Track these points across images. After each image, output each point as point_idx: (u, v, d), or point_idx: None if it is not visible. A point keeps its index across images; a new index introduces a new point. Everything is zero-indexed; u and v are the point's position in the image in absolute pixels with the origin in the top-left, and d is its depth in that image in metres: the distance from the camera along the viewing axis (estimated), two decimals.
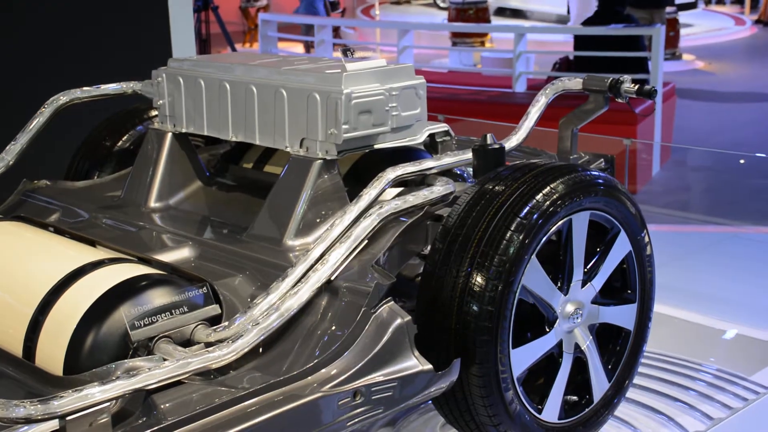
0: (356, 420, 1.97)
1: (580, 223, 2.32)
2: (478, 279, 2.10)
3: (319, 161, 2.42)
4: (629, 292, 2.53)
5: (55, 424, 1.66)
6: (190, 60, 2.88)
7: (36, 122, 2.93)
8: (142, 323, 1.96)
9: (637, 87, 2.69)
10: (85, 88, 3.05)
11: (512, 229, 2.14)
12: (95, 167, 3.19)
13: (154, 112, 3.26)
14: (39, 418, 1.63)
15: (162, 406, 1.79)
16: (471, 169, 2.58)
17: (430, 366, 2.05)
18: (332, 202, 2.43)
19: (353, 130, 2.40)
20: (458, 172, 2.70)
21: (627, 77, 2.72)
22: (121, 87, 3.08)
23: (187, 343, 2.02)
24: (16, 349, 2.04)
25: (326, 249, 2.17)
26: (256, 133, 2.60)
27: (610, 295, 2.49)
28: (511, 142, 2.68)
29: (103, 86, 3.07)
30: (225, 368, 1.95)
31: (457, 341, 2.10)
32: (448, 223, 2.23)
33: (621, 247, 2.45)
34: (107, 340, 1.94)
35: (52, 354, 1.97)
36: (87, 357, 1.92)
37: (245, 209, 2.68)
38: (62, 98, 3.00)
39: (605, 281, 2.44)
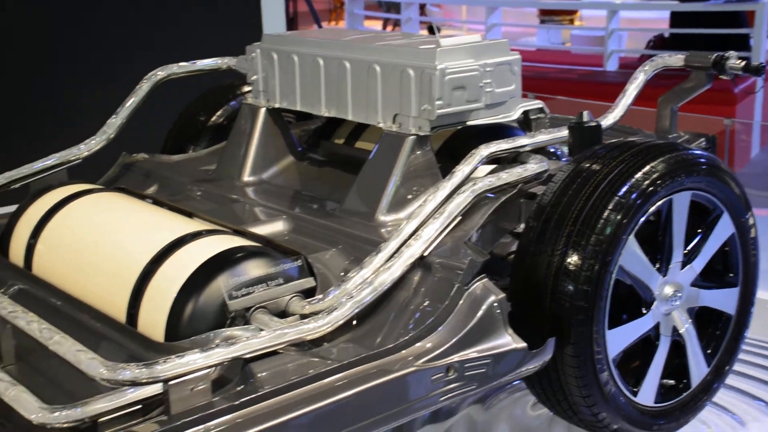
0: (449, 395, 1.97)
1: (681, 204, 2.26)
2: (574, 258, 2.07)
3: (412, 137, 2.41)
4: (731, 275, 2.45)
5: (157, 387, 1.71)
6: (284, 36, 2.90)
7: (135, 97, 3.01)
8: (240, 294, 1.99)
9: (743, 63, 2.60)
10: (181, 64, 3.11)
11: (610, 208, 2.09)
12: (190, 141, 3.26)
13: (247, 88, 3.31)
14: (144, 381, 1.68)
15: (259, 375, 1.82)
16: (565, 147, 2.54)
17: (524, 344, 2.04)
18: (424, 178, 2.43)
19: (447, 106, 2.38)
20: (552, 150, 2.66)
21: (732, 53, 2.63)
22: (216, 62, 3.13)
23: (282, 314, 2.05)
24: (120, 315, 2.11)
25: (419, 225, 2.17)
26: (348, 108, 2.61)
27: (711, 278, 2.42)
28: (607, 120, 2.62)
29: (199, 62, 3.13)
30: (319, 340, 1.98)
31: (552, 320, 2.08)
32: (543, 201, 2.20)
33: (723, 229, 2.37)
34: (206, 310, 1.98)
35: (153, 321, 2.02)
36: (187, 325, 1.97)
37: (336, 184, 2.69)
38: (160, 73, 3.06)
39: (706, 264, 2.38)
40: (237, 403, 1.71)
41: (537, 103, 2.67)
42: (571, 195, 2.16)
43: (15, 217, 2.58)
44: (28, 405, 1.68)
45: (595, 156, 2.24)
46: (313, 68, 2.68)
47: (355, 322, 2.05)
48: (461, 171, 2.29)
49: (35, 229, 2.48)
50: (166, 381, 1.70)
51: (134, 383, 1.69)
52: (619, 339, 2.18)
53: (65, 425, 1.65)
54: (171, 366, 1.70)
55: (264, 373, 1.82)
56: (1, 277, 2.45)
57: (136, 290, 2.09)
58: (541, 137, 2.49)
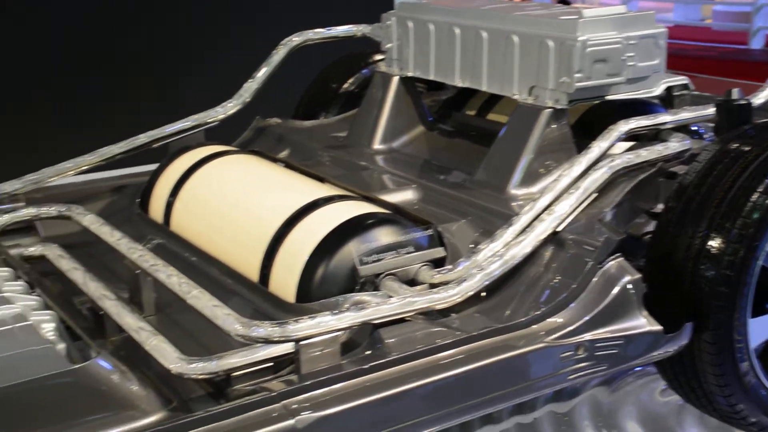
0: (577, 374, 1.93)
1: None
2: (717, 241, 1.98)
3: (548, 110, 2.36)
4: None
5: (289, 347, 1.74)
6: (420, 4, 2.88)
7: (271, 62, 3.05)
8: (370, 260, 2.01)
9: None
10: (317, 30, 3.14)
11: (759, 191, 1.99)
12: (322, 108, 3.30)
13: (378, 56, 3.31)
14: (276, 339, 1.72)
15: (387, 341, 1.83)
16: (710, 126, 2.43)
17: (659, 327, 1.97)
18: (559, 152, 2.37)
19: (586, 80, 2.31)
20: (694, 129, 2.54)
21: None
22: (351, 30, 3.14)
23: (410, 282, 2.05)
24: (252, 274, 2.16)
25: (553, 200, 2.13)
26: (483, 79, 2.57)
27: None
28: (758, 99, 2.49)
29: (334, 29, 3.15)
30: (446, 310, 1.97)
31: (690, 304, 2.00)
32: (685, 181, 2.11)
33: None
34: (337, 273, 2.00)
35: (285, 282, 2.06)
36: (317, 287, 2.00)
37: (467, 156, 2.67)
38: (295, 39, 3.10)
39: None
40: (366, 367, 1.72)
41: (681, 79, 2.56)
42: (717, 176, 2.06)
43: (155, 176, 2.68)
44: (167, 355, 1.74)
45: (745, 136, 2.13)
46: (448, 37, 2.65)
47: (483, 295, 2.03)
48: (598, 146, 2.22)
49: (174, 188, 2.57)
50: (297, 341, 1.73)
51: (267, 341, 1.72)
52: (763, 328, 2.08)
53: (200, 376, 1.70)
54: (303, 326, 1.73)
55: (392, 340, 1.83)
56: (142, 232, 2.55)
57: (269, 251, 2.13)
58: (684, 114, 2.39)
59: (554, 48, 2.33)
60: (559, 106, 2.35)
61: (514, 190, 2.33)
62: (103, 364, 1.67)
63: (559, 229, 2.08)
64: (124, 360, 1.75)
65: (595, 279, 1.97)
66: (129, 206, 2.76)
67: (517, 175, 2.34)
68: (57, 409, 1.57)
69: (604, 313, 1.94)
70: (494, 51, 2.51)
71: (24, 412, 1.54)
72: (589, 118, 2.52)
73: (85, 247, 2.54)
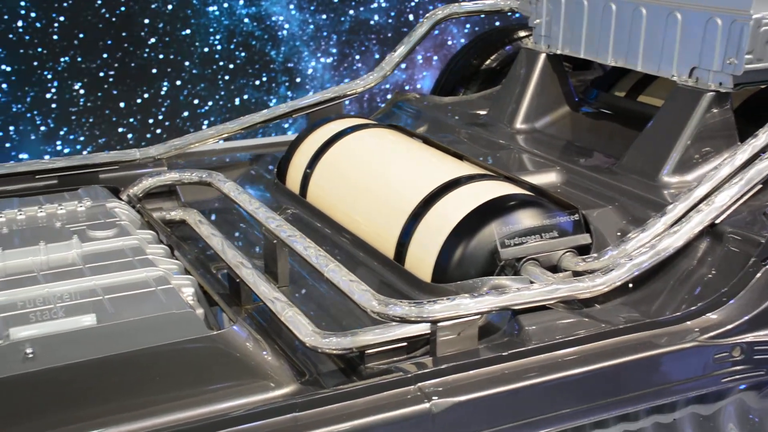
0: (731, 378, 1.79)
1: None
2: None
3: (710, 93, 2.20)
4: None
5: (425, 327, 1.69)
6: None
7: (415, 35, 2.99)
8: (512, 242, 1.92)
9: None
10: (463, 3, 3.05)
11: None
12: (461, 84, 3.22)
13: (522, 33, 3.20)
14: (413, 319, 1.67)
15: (527, 328, 1.75)
16: None
17: None
18: (719, 139, 2.21)
19: (757, 61, 2.14)
20: None
21: None
22: (498, 3, 3.04)
23: (552, 269, 1.96)
24: (388, 250, 2.12)
25: (711, 189, 1.98)
26: (639, 58, 2.43)
27: None
28: None
29: (480, 2, 3.06)
30: (590, 300, 1.87)
31: None
32: None
33: None
34: (476, 255, 1.93)
35: (421, 260, 2.01)
36: (455, 268, 1.94)
37: (614, 139, 2.54)
38: (440, 13, 3.03)
39: None
40: (505, 354, 1.65)
41: None
42: None
43: (294, 146, 2.67)
44: (302, 327, 1.72)
45: None
46: (603, 13, 2.51)
47: (630, 287, 1.91)
48: (765, 134, 2.05)
49: (312, 159, 2.56)
50: (434, 322, 1.67)
51: (403, 320, 1.68)
52: None
53: (334, 352, 1.67)
54: (441, 308, 1.67)
55: (533, 327, 1.75)
56: (278, 202, 2.56)
57: (406, 228, 2.08)
58: None
59: (723, 26, 2.16)
60: (723, 90, 2.19)
61: (667, 178, 2.19)
62: (239, 331, 1.66)
63: (718, 221, 1.94)
64: (258, 329, 1.74)
65: (758, 276, 1.82)
66: (266, 175, 2.78)
67: (672, 161, 2.20)
68: (195, 373, 1.57)
69: (767, 314, 1.79)
70: (653, 28, 2.36)
71: (163, 374, 1.55)
72: (756, 103, 2.34)
73: (221, 213, 2.57)
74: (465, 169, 2.26)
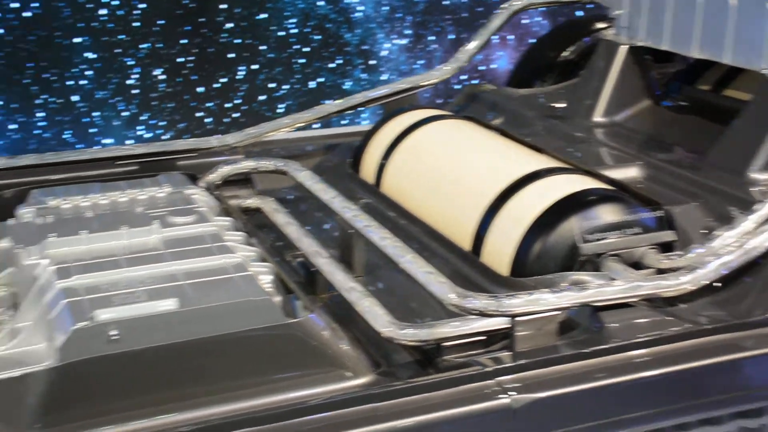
0: None
1: None
2: None
3: None
4: None
5: (503, 321, 1.66)
6: None
7: (490, 26, 2.96)
8: (593, 237, 1.89)
9: None
10: None
11: None
12: (537, 76, 3.17)
13: (600, 24, 3.13)
14: (491, 313, 1.65)
15: (609, 326, 1.71)
16: None
17: None
18: None
19: None
20: None
21: None
22: None
23: (634, 266, 1.92)
24: (464, 242, 2.10)
25: None
26: (726, 50, 2.35)
27: None
28: None
29: None
30: (674, 299, 1.82)
31: None
32: None
33: None
34: (555, 249, 1.90)
35: (499, 253, 1.99)
36: (534, 262, 1.91)
37: (698, 134, 2.47)
38: (518, 3, 2.98)
39: None
40: (587, 351, 1.62)
41: None
42: None
43: (369, 136, 2.67)
44: (378, 318, 1.71)
45: None
46: (689, 4, 2.44)
47: (716, 286, 1.85)
48: None
49: (387, 150, 2.55)
50: (513, 316, 1.65)
51: (482, 313, 1.66)
52: None
53: (411, 343, 1.66)
54: (521, 302, 1.65)
55: (615, 325, 1.71)
56: (352, 192, 2.55)
57: (484, 220, 2.06)
58: None
59: None
60: None
61: (756, 175, 2.12)
62: (317, 320, 1.66)
63: None
64: (333, 318, 1.74)
65: None
66: (340, 165, 2.78)
67: (762, 158, 2.12)
68: (272, 360, 1.58)
69: None
70: (744, 20, 2.28)
71: (241, 360, 1.56)
72: None
73: (296, 202, 2.58)
74: (543, 162, 2.22)
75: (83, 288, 1.66)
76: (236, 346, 1.57)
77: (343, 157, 2.79)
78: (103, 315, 1.55)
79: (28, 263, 1.80)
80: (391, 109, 2.81)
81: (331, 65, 4.68)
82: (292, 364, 1.59)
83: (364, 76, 4.74)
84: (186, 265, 1.78)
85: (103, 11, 4.25)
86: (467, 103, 2.99)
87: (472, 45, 2.93)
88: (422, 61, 4.79)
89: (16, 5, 4.15)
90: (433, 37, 4.78)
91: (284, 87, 4.63)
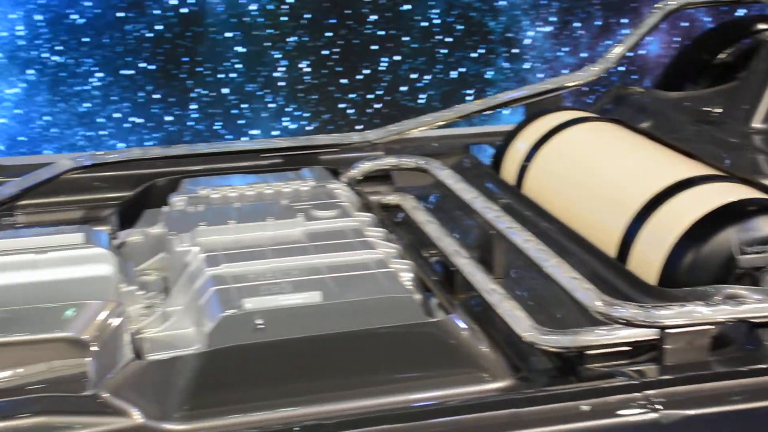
0: None
1: None
2: None
3: None
4: None
5: (651, 332, 1.60)
6: None
7: (643, 26, 2.85)
8: (752, 250, 1.79)
9: None
10: None
11: None
12: (689, 79, 3.04)
13: (762, 25, 2.97)
14: (640, 323, 1.59)
15: (767, 345, 1.61)
16: None
17: None
18: None
19: None
20: None
21: None
22: None
23: None
24: (608, 249, 2.03)
25: None
26: None
27: None
28: None
29: None
30: None
31: None
32: None
33: None
34: (710, 261, 1.81)
35: (648, 262, 1.91)
36: (685, 273, 1.83)
37: None
38: (673, 3, 2.87)
39: None
40: (744, 369, 1.53)
41: None
42: None
43: (511, 136, 2.63)
44: (520, 321, 1.68)
45: None
46: None
47: None
48: None
49: (530, 151, 2.50)
50: (663, 328, 1.58)
51: (629, 323, 1.59)
52: None
53: (552, 349, 1.62)
54: (671, 313, 1.58)
55: None
56: (492, 192, 2.52)
57: (632, 226, 1.99)
58: None
59: None
60: None
61: None
62: (457, 321, 1.65)
63: None
64: (473, 319, 1.72)
65: None
66: (480, 164, 2.75)
67: None
68: (411, 358, 1.57)
69: None
70: None
71: (381, 356, 1.56)
72: None
73: (434, 200, 2.57)
74: (696, 168, 2.13)
75: (231, 276, 1.71)
76: (377, 342, 1.57)
77: (483, 157, 2.76)
78: (251, 304, 1.59)
79: (180, 250, 1.87)
80: (533, 109, 2.76)
81: (473, 54, 4.64)
82: (430, 363, 1.58)
83: (506, 65, 4.66)
84: (329, 259, 1.80)
85: (253, 6, 4.38)
86: (614, 104, 2.90)
87: (622, 47, 2.83)
88: (567, 48, 4.66)
89: (175, 2, 4.35)
90: (580, 24, 4.65)
91: (426, 77, 4.63)
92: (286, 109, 4.54)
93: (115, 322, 1.67)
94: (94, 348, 1.64)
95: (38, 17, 4.43)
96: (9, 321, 1.68)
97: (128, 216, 2.26)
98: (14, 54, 4.48)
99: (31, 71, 4.50)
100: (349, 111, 4.60)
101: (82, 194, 2.44)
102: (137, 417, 1.44)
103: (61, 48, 4.46)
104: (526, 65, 4.66)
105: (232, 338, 1.53)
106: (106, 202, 2.41)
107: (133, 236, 2.13)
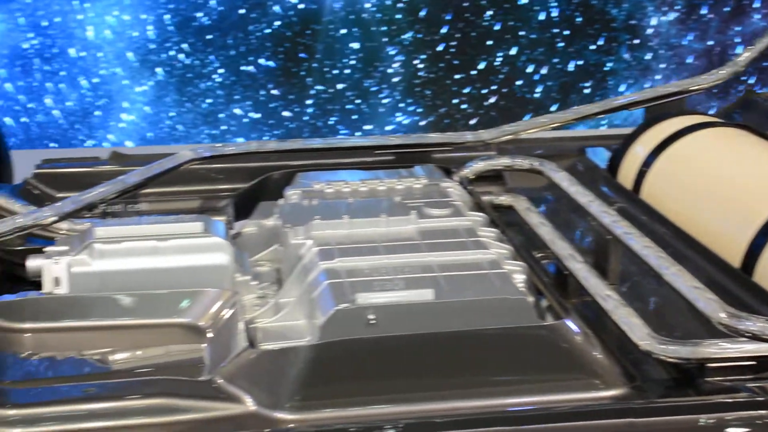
0: None
1: None
2: None
3: None
4: None
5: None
6: None
7: None
8: None
9: None
10: None
11: None
12: None
13: None
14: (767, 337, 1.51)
15: None
16: None
17: None
18: None
19: None
20: None
21: None
22: None
23: None
24: (733, 259, 1.95)
25: None
26: None
27: None
28: None
29: None
30: None
31: None
32: None
33: None
34: None
35: None
36: None
37: None
38: None
39: None
40: None
41: None
42: None
43: (630, 140, 2.56)
44: (636, 329, 1.63)
45: None
46: None
47: None
48: None
49: (650, 156, 2.43)
50: None
51: (756, 337, 1.52)
52: None
53: (671, 359, 1.57)
54: None
55: None
56: (607, 196, 2.46)
57: (758, 237, 1.90)
58: None
59: None
60: None
61: None
62: (571, 325, 1.61)
63: None
64: (586, 325, 1.68)
65: None
66: (595, 168, 2.68)
67: None
68: (522, 362, 1.55)
69: None
70: None
71: (492, 358, 1.55)
72: None
73: (546, 202, 2.52)
74: None
75: (344, 271, 1.72)
76: (488, 343, 1.56)
77: (598, 160, 2.70)
78: (364, 299, 1.60)
79: (294, 243, 1.90)
80: (654, 112, 2.68)
81: (592, 46, 4.51)
82: (541, 367, 1.55)
83: (627, 55, 4.50)
84: (441, 258, 1.79)
85: (369, 4, 4.42)
86: (742, 110, 2.78)
87: (752, 50, 2.71)
88: (693, 34, 4.46)
89: (295, 0, 4.44)
90: (707, 8, 4.45)
91: (543, 70, 4.55)
92: (400, 105, 4.56)
93: (231, 310, 1.71)
94: (210, 335, 1.69)
95: (167, 17, 4.62)
96: (129, 304, 1.75)
97: (243, 207, 2.31)
98: (145, 56, 4.69)
99: (160, 70, 4.69)
100: (463, 106, 4.58)
101: (200, 184, 2.51)
102: (250, 404, 1.47)
103: (188, 49, 4.63)
104: (647, 56, 4.49)
105: (344, 332, 1.54)
106: (223, 193, 2.47)
107: (247, 227, 2.18)
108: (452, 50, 4.43)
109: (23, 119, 4.79)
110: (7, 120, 4.72)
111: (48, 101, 4.78)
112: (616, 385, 1.53)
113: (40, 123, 4.80)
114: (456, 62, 4.44)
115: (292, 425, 1.45)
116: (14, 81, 4.75)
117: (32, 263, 1.81)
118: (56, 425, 1.43)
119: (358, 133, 4.39)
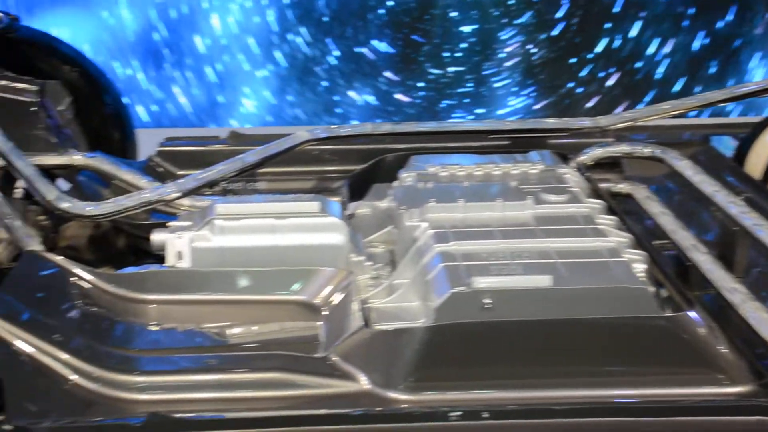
0: None
1: None
2: None
3: None
4: None
5: None
6: None
7: None
8: None
9: None
10: None
11: None
12: None
13: None
14: None
15: None
16: None
17: None
18: None
19: None
20: None
21: None
22: None
23: None
24: None
25: None
26: None
27: None
28: None
29: None
30: None
31: None
32: None
33: None
34: None
35: None
36: None
37: None
38: None
39: None
40: None
41: None
42: None
43: (759, 128, 2.45)
44: (765, 324, 1.57)
45: None
46: None
47: None
48: None
49: None
50: None
51: None
52: None
53: None
54: None
55: None
56: (736, 188, 2.35)
57: None
58: None
59: None
60: None
61: None
62: (696, 318, 1.55)
63: None
64: (711, 318, 1.62)
65: None
66: (719, 156, 2.58)
67: None
68: (643, 353, 1.51)
69: None
70: None
71: (611, 348, 1.51)
72: None
73: (666, 192, 2.44)
74: None
75: (460, 254, 1.70)
76: (607, 332, 1.52)
77: (723, 149, 2.59)
78: (480, 283, 1.58)
79: (409, 225, 1.89)
80: None
81: (720, 24, 4.24)
82: (663, 359, 1.51)
83: (760, 30, 4.18)
84: (559, 244, 1.76)
85: None
86: None
87: None
88: None
89: None
90: None
91: (665, 49, 4.34)
92: (512, 89, 4.50)
93: (345, 290, 1.73)
94: (325, 313, 1.71)
95: (286, 2, 4.71)
96: (247, 280, 1.79)
97: (357, 188, 2.32)
98: (266, 44, 4.81)
99: (280, 56, 4.79)
100: (577, 90, 4.46)
101: (315, 165, 2.54)
102: (364, 383, 1.48)
103: (308, 38, 4.71)
104: None
105: (460, 315, 1.53)
106: (338, 174, 2.50)
107: (362, 208, 2.19)
108: (569, 34, 4.31)
109: (153, 107, 5.00)
110: (139, 109, 4.93)
111: (175, 90, 4.96)
112: (742, 381, 1.48)
113: (169, 112, 5.00)
114: (573, 45, 4.31)
115: (405, 405, 1.45)
116: (146, 72, 4.95)
117: (157, 237, 1.87)
118: (178, 393, 1.48)
119: (470, 117, 4.35)
